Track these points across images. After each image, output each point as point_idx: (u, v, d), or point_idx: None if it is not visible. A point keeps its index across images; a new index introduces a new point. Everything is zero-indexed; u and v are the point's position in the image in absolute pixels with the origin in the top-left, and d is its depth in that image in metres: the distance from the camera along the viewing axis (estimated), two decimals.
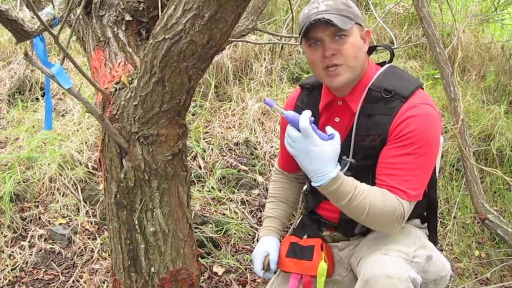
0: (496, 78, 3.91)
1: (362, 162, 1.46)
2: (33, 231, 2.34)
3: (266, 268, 1.60)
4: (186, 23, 1.21)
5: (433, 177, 1.53)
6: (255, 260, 1.62)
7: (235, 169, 2.92)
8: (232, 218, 2.58)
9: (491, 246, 2.84)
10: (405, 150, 1.38)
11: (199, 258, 1.72)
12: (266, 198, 1.95)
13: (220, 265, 2.31)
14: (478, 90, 3.80)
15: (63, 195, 2.54)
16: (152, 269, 1.54)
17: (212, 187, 2.74)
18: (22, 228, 2.36)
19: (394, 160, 1.39)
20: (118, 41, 1.59)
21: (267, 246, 1.64)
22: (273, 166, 2.95)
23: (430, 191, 1.56)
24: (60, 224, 2.40)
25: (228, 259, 2.34)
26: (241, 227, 2.53)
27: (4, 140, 2.92)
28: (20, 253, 2.23)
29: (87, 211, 2.49)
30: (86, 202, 2.53)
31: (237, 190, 2.79)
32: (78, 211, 2.49)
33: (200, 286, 1.86)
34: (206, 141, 3.06)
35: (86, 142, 2.86)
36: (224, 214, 2.60)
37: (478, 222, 2.91)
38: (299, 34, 1.45)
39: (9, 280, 2.11)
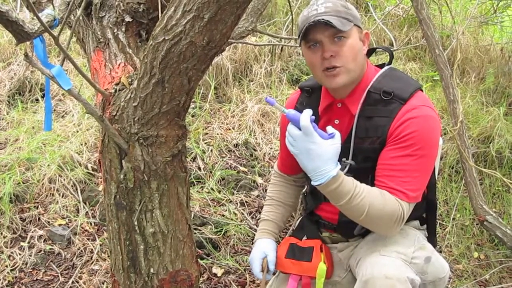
0: (495, 80, 3.91)
1: (362, 164, 1.46)
2: (32, 232, 2.34)
3: (265, 269, 1.60)
4: (186, 24, 1.21)
5: (432, 178, 1.53)
6: (253, 263, 1.62)
7: (235, 170, 2.92)
8: (232, 219, 2.58)
9: (490, 248, 2.84)
10: (404, 152, 1.38)
11: (199, 259, 1.72)
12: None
13: (219, 266, 2.31)
14: (477, 92, 3.80)
15: (62, 196, 2.54)
16: (151, 270, 1.54)
17: (212, 188, 2.74)
18: (22, 229, 2.36)
19: (394, 162, 1.39)
20: (118, 42, 1.59)
21: (264, 248, 1.64)
22: (272, 167, 2.95)
23: (429, 193, 1.57)
24: (60, 225, 2.40)
25: (227, 260, 2.34)
26: (241, 228, 2.53)
27: (4, 141, 2.92)
28: (20, 254, 2.23)
29: (87, 212, 2.49)
30: (85, 203, 2.53)
31: (237, 191, 2.79)
32: (78, 212, 2.49)
33: (199, 287, 1.86)
34: (205, 143, 3.06)
35: (85, 143, 2.86)
36: (223, 215, 2.60)
37: (477, 224, 2.91)
38: (299, 36, 1.45)
39: (9, 281, 2.11)
